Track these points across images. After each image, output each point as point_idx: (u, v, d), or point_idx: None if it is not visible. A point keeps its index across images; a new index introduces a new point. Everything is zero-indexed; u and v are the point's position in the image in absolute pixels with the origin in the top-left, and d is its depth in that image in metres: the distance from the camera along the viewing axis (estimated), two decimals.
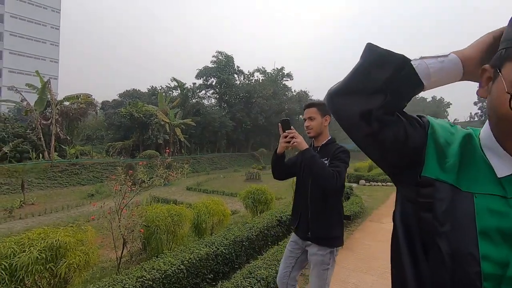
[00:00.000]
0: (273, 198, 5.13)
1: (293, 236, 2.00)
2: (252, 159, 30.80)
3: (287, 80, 40.75)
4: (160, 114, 22.34)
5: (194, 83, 30.01)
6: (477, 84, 0.63)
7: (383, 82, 0.59)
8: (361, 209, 6.03)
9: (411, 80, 0.59)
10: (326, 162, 1.77)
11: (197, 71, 31.64)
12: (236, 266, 3.28)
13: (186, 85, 28.18)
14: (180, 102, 26.79)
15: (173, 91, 30.39)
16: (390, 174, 0.69)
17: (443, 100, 58.01)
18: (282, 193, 10.41)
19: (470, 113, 59.61)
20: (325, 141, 1.92)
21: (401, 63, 0.59)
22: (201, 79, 31.79)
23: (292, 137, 1.73)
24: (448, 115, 61.70)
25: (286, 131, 1.76)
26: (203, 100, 31.76)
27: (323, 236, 1.79)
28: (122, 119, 23.30)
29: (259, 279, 2.64)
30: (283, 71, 39.77)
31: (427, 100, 58.68)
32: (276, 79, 38.48)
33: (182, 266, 2.57)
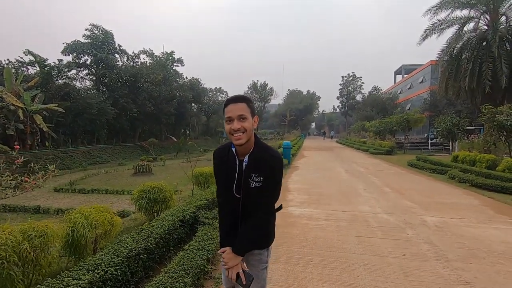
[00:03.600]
0: (172, 195, 4.56)
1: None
2: (141, 150, 27.95)
3: (178, 66, 38.66)
4: (9, 97, 17.08)
5: (60, 60, 24.28)
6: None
7: None
8: None
9: None
10: (258, 179, 1.49)
11: (64, 45, 25.77)
12: (132, 286, 2.67)
13: (48, 62, 22.51)
14: (39, 82, 21.21)
15: (28, 67, 23.71)
16: None
17: (315, 93, 68.15)
18: (179, 186, 9.73)
19: (333, 105, 72.82)
20: (251, 150, 1.52)
21: None
22: (71, 55, 26.05)
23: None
24: (319, 106, 73.20)
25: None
26: (74, 82, 26.23)
27: (259, 244, 1.64)
28: None
29: None
30: (173, 55, 37.39)
31: (303, 93, 67.55)
32: (165, 64, 35.80)
33: None
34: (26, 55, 22.23)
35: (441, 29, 16.77)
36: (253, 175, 1.49)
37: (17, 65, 23.29)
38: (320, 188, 8.07)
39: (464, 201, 6.53)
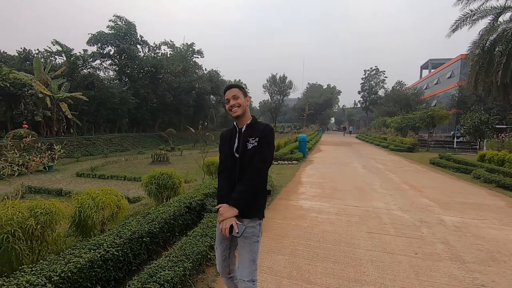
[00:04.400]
0: (181, 182, 4.58)
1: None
2: (160, 139, 28.62)
3: (198, 58, 38.91)
4: (38, 85, 17.89)
5: (85, 50, 25.10)
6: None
7: None
8: (271, 187, 6.13)
9: None
10: (254, 141, 1.84)
11: (89, 36, 26.60)
12: (134, 268, 2.70)
13: (74, 52, 23.34)
14: (66, 72, 22.06)
15: (56, 57, 24.73)
16: None
17: (336, 88, 66.58)
18: (192, 175, 9.86)
19: (354, 100, 70.88)
20: (249, 121, 1.95)
21: None
22: (95, 46, 26.88)
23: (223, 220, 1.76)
24: (339, 101, 71.55)
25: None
26: (98, 72, 27.07)
27: (252, 209, 1.83)
28: None
29: (162, 282, 2.17)
30: (193, 47, 37.65)
31: (323, 87, 66.20)
32: (186, 55, 36.14)
33: (49, 285, 1.85)
34: (53, 45, 23.13)
35: (473, 20, 15.68)
36: (250, 138, 1.85)
37: (45, 55, 24.36)
38: (334, 182, 7.88)
39: (488, 201, 6.14)
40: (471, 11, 15.43)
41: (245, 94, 1.97)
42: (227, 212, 1.74)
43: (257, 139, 1.83)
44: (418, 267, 3.10)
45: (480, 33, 15.36)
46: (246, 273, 1.80)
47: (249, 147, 1.84)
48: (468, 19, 15.54)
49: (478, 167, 9.75)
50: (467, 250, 3.56)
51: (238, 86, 1.99)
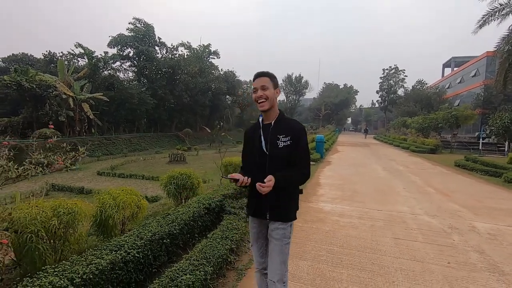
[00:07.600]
0: (200, 183, 4.54)
1: (252, 221, 1.95)
2: (177, 139, 29.04)
3: (214, 58, 39.23)
4: (61, 86, 18.58)
5: (106, 52, 25.86)
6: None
7: None
8: None
9: None
10: (285, 139, 1.73)
11: (110, 38, 27.36)
12: (154, 270, 2.65)
13: (96, 54, 24.07)
14: (88, 73, 22.82)
15: (79, 59, 25.63)
16: None
17: (353, 87, 65.24)
18: (209, 176, 9.86)
19: (372, 100, 69.20)
20: (276, 117, 1.82)
21: None
22: (115, 48, 27.65)
23: (265, 187, 1.59)
24: (356, 101, 70.08)
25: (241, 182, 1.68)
26: (118, 73, 27.83)
27: (284, 212, 1.80)
28: (6, 90, 18.58)
29: (183, 287, 2.10)
30: (210, 48, 38.00)
31: (340, 87, 65.04)
32: (202, 56, 36.53)
33: None
34: (76, 47, 23.95)
35: (503, 14, 14.84)
36: (280, 136, 1.74)
37: (69, 57, 25.28)
38: (354, 184, 7.63)
39: None
40: (501, 5, 14.61)
41: (276, 85, 1.81)
42: (268, 187, 1.56)
43: (288, 137, 1.72)
44: (453, 277, 2.88)
45: (510, 28, 14.52)
46: (276, 274, 1.79)
47: (280, 146, 1.72)
48: (497, 13, 14.72)
49: (510, 170, 9.18)
50: (505, 261, 3.30)
51: (270, 75, 1.79)
